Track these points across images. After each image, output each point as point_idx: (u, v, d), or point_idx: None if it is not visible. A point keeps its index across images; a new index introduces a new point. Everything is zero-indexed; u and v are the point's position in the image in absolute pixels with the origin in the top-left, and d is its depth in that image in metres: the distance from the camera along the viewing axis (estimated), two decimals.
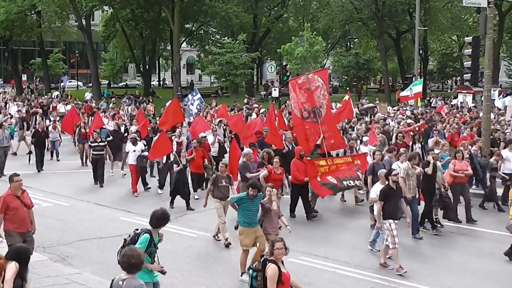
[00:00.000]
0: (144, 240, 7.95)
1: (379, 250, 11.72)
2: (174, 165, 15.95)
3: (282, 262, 7.36)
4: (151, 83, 64.82)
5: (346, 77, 53.11)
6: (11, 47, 62.48)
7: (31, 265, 10.63)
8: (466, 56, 39.80)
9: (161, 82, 76.98)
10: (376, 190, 11.90)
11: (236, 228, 10.97)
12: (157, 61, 71.96)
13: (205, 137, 18.34)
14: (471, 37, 34.76)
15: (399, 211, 11.37)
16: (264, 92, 55.15)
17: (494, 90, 30.22)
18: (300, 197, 14.94)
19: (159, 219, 8.10)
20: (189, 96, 28.28)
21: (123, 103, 36.69)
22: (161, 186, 17.69)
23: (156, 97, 51.96)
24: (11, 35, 56.35)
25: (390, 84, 59.40)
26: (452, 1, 52.62)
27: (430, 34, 57.30)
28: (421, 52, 55.26)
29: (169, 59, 67.48)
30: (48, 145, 22.28)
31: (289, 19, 68.42)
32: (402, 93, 32.17)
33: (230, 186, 12.96)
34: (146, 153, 17.63)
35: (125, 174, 19.45)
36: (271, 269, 7.06)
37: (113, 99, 41.21)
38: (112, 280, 6.47)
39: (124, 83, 73.37)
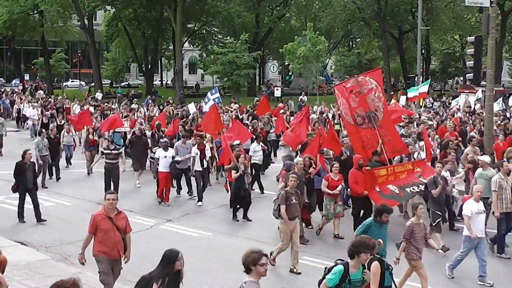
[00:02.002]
0: (336, 272, 6.84)
1: (492, 285, 10.42)
2: (233, 171, 14.74)
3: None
4: (153, 82, 64.88)
5: (348, 77, 53.10)
6: (14, 46, 62.62)
7: (33, 264, 10.78)
8: (469, 55, 39.71)
9: (167, 82, 76.92)
10: (469, 206, 10.68)
11: None
12: (159, 61, 72.00)
13: (239, 144, 17.30)
14: (474, 37, 34.67)
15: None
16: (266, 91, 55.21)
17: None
18: (363, 212, 12.96)
19: (355, 246, 6.89)
20: (208, 94, 27.97)
21: (144, 104, 35.20)
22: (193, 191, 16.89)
23: (159, 96, 51.95)
24: (14, 34, 56.41)
25: (392, 84, 59.38)
26: (455, 1, 52.61)
27: (432, 34, 57.33)
28: (423, 51, 55.30)
29: (171, 59, 67.50)
30: (61, 151, 20.17)
31: (292, 19, 68.45)
32: (410, 94, 32.21)
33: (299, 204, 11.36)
34: (178, 158, 16.61)
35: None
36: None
37: (135, 99, 40.56)
38: None
39: (126, 83, 73.42)
